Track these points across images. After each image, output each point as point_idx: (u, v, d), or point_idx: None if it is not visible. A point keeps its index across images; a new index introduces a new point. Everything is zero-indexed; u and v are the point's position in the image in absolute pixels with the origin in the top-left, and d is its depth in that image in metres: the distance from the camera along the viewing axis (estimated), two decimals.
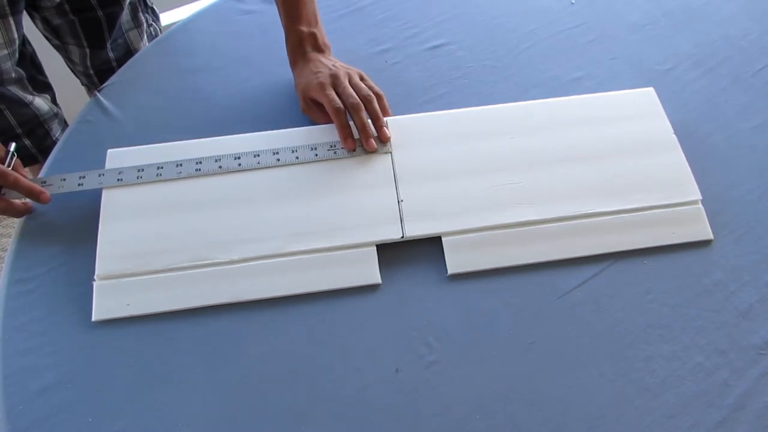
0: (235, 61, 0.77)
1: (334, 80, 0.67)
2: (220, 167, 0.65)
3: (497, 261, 0.60)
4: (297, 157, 0.66)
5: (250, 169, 0.65)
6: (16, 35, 0.75)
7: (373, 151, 0.66)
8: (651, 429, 0.52)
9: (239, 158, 0.65)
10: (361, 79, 0.70)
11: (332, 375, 0.55)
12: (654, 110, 0.69)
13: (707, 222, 0.62)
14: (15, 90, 0.79)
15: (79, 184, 0.65)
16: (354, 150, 0.66)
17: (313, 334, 0.57)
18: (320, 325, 0.58)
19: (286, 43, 0.72)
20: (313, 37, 0.71)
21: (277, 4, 0.72)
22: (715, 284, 0.59)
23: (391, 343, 0.57)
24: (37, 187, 0.63)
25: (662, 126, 0.67)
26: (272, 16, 0.75)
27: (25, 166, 0.90)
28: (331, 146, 0.66)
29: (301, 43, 0.71)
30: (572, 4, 0.82)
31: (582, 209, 0.62)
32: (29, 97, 0.81)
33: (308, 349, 0.57)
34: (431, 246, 0.61)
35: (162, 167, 0.65)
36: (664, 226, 0.62)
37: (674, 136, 0.66)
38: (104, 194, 0.64)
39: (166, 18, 1.45)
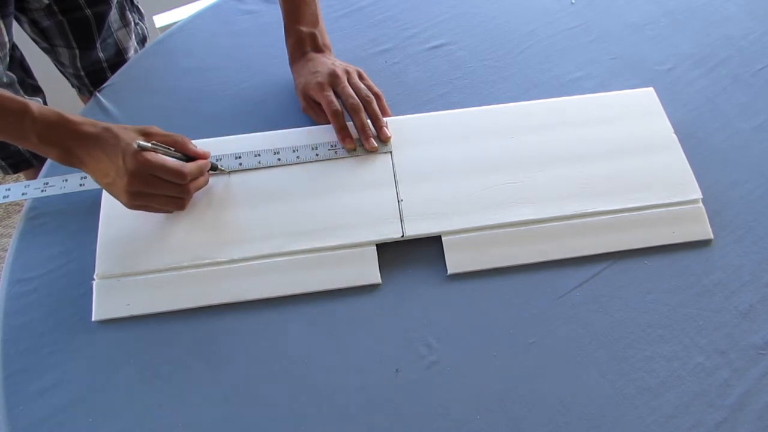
0: (235, 61, 0.77)
1: (333, 79, 0.67)
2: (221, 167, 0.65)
3: (497, 261, 0.60)
4: (298, 157, 0.66)
5: (251, 169, 0.65)
6: (6, 38, 0.74)
7: (374, 151, 0.66)
8: (651, 429, 0.52)
9: (240, 158, 0.65)
10: (360, 77, 0.69)
11: (332, 375, 0.55)
12: (654, 110, 0.69)
13: (707, 221, 0.62)
14: None
15: (80, 185, 0.65)
16: (354, 149, 0.66)
17: (313, 335, 0.57)
18: (320, 326, 0.58)
19: (286, 42, 0.72)
20: (313, 37, 0.71)
21: (279, 4, 0.72)
22: (715, 284, 0.59)
23: (391, 343, 0.57)
24: None
25: (662, 126, 0.67)
26: (272, 16, 0.75)
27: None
28: (332, 146, 0.66)
29: (301, 43, 0.71)
30: (572, 4, 0.82)
31: (582, 209, 0.62)
32: None
33: (308, 349, 0.57)
34: (431, 246, 0.61)
35: None
36: (665, 225, 0.62)
37: (674, 135, 0.66)
38: (104, 194, 0.64)
39: (166, 18, 1.45)
